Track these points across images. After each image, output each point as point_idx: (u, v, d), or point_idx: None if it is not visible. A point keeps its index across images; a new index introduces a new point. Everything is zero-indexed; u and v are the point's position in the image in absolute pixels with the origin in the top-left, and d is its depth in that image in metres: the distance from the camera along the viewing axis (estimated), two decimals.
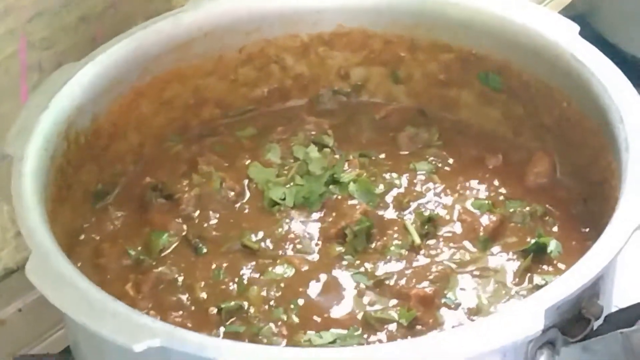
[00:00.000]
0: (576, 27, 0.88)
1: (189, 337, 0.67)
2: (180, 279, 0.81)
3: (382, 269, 0.82)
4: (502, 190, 0.89)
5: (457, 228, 0.85)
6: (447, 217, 0.86)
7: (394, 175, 0.90)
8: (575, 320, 0.70)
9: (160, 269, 0.82)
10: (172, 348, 0.66)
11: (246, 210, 0.87)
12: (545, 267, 0.82)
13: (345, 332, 0.76)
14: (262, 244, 0.84)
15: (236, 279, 0.81)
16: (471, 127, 0.95)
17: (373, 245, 0.84)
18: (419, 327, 0.77)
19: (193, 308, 0.79)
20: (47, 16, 0.92)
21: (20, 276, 0.81)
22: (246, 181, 0.89)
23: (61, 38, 0.93)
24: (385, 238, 0.84)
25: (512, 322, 0.67)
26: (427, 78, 0.96)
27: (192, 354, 0.66)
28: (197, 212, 0.87)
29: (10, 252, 0.95)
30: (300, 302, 0.79)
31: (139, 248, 0.84)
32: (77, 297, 0.69)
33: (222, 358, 0.66)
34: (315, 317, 0.78)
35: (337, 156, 0.92)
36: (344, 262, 0.82)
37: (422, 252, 0.83)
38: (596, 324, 0.71)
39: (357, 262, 0.82)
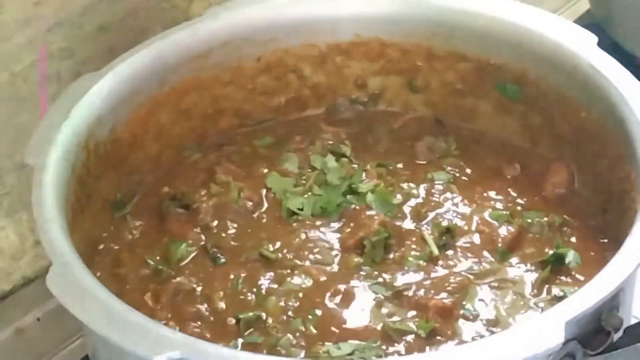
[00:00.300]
0: (594, 38, 0.88)
1: (209, 349, 0.67)
2: (199, 289, 0.82)
3: (400, 279, 0.82)
4: (520, 200, 0.88)
5: (475, 239, 0.85)
6: (465, 228, 0.86)
7: (412, 185, 0.90)
8: (595, 332, 0.70)
9: (178, 279, 0.82)
10: None
11: (264, 220, 0.87)
12: (563, 278, 0.82)
13: (363, 343, 0.76)
14: (280, 254, 0.84)
15: (254, 290, 0.81)
16: (489, 137, 0.95)
17: (391, 256, 0.84)
18: (437, 338, 0.77)
19: (212, 318, 0.79)
20: (67, 26, 0.92)
21: (39, 285, 0.81)
22: (264, 191, 0.90)
23: (80, 48, 0.93)
24: (403, 249, 0.84)
25: (533, 335, 0.67)
26: (444, 87, 0.96)
27: None
28: (215, 222, 0.87)
29: (29, 261, 0.95)
30: (319, 313, 0.79)
31: (158, 258, 0.84)
32: (98, 309, 0.69)
33: None
34: (333, 328, 0.78)
35: (354, 165, 0.92)
36: (362, 273, 0.82)
37: (440, 262, 0.83)
38: (616, 336, 0.71)
39: (375, 272, 0.82)
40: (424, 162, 0.93)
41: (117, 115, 0.88)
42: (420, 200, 0.88)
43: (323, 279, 0.82)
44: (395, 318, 0.79)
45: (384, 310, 0.79)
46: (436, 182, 0.90)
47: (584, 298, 0.69)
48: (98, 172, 0.86)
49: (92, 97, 0.85)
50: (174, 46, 0.91)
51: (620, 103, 0.83)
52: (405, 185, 0.90)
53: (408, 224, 0.86)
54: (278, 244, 0.85)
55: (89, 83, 0.86)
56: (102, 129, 0.86)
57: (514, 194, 0.89)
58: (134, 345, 0.67)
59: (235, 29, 0.93)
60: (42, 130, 0.82)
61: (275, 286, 0.81)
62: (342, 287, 0.81)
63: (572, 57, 0.88)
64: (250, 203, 0.89)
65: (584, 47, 0.88)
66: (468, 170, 0.91)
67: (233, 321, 0.79)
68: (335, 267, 0.83)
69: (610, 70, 0.85)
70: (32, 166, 0.79)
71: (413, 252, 0.84)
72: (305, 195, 0.88)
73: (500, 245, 0.84)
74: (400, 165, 0.92)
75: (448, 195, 0.89)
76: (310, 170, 0.91)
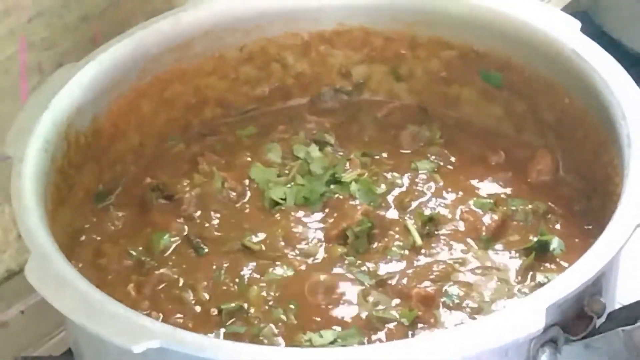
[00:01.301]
0: (577, 23, 0.88)
1: (187, 338, 0.67)
2: (182, 279, 0.81)
3: (383, 268, 0.81)
4: (505, 188, 0.88)
5: (459, 227, 0.84)
6: (449, 216, 0.85)
7: (396, 174, 0.89)
8: (578, 317, 0.70)
9: (161, 270, 0.82)
10: (171, 349, 0.66)
11: (247, 210, 0.87)
12: (548, 264, 0.81)
13: (345, 331, 0.76)
14: (263, 245, 0.83)
15: (237, 280, 0.81)
16: (473, 125, 0.94)
17: (374, 246, 0.83)
18: (420, 325, 0.77)
19: (195, 309, 0.79)
20: (48, 16, 0.91)
21: (23, 278, 0.80)
22: (247, 181, 0.89)
23: (61, 38, 0.93)
24: (386, 239, 0.83)
25: (514, 320, 0.67)
26: (429, 75, 0.96)
27: (190, 354, 0.66)
28: (199, 212, 0.86)
29: (13, 254, 0.95)
30: (301, 303, 0.78)
31: (140, 248, 0.84)
32: (76, 299, 0.69)
33: (221, 359, 0.65)
34: (315, 318, 0.77)
35: (339, 154, 0.91)
36: (346, 262, 0.82)
37: (423, 251, 0.82)
38: (599, 322, 0.71)
39: (359, 262, 0.82)
40: (409, 151, 0.92)
41: (99, 106, 0.87)
42: (404, 189, 0.88)
43: (305, 269, 0.81)
44: (380, 307, 0.78)
45: (368, 299, 0.79)
46: (420, 171, 0.89)
47: (565, 283, 0.69)
48: (79, 163, 0.85)
49: (72, 87, 0.85)
50: (155, 36, 0.91)
51: (604, 89, 0.83)
52: (389, 175, 0.89)
53: (392, 214, 0.86)
54: (261, 235, 0.84)
55: (69, 73, 0.85)
56: (83, 119, 0.86)
57: (499, 182, 0.88)
58: (112, 335, 0.67)
59: (218, 18, 0.93)
60: (21, 121, 0.81)
61: (258, 276, 0.81)
62: (325, 276, 0.81)
63: (556, 43, 0.87)
64: (234, 193, 0.88)
65: (567, 33, 0.87)
66: (452, 159, 0.91)
67: (215, 311, 0.78)
68: (319, 258, 0.82)
69: (593, 56, 0.85)
70: (12, 157, 0.79)
71: (396, 242, 0.83)
72: (288, 185, 0.88)
73: (484, 233, 0.84)
74: (384, 155, 0.92)
75: (432, 184, 0.88)
76: (293, 160, 0.91)
